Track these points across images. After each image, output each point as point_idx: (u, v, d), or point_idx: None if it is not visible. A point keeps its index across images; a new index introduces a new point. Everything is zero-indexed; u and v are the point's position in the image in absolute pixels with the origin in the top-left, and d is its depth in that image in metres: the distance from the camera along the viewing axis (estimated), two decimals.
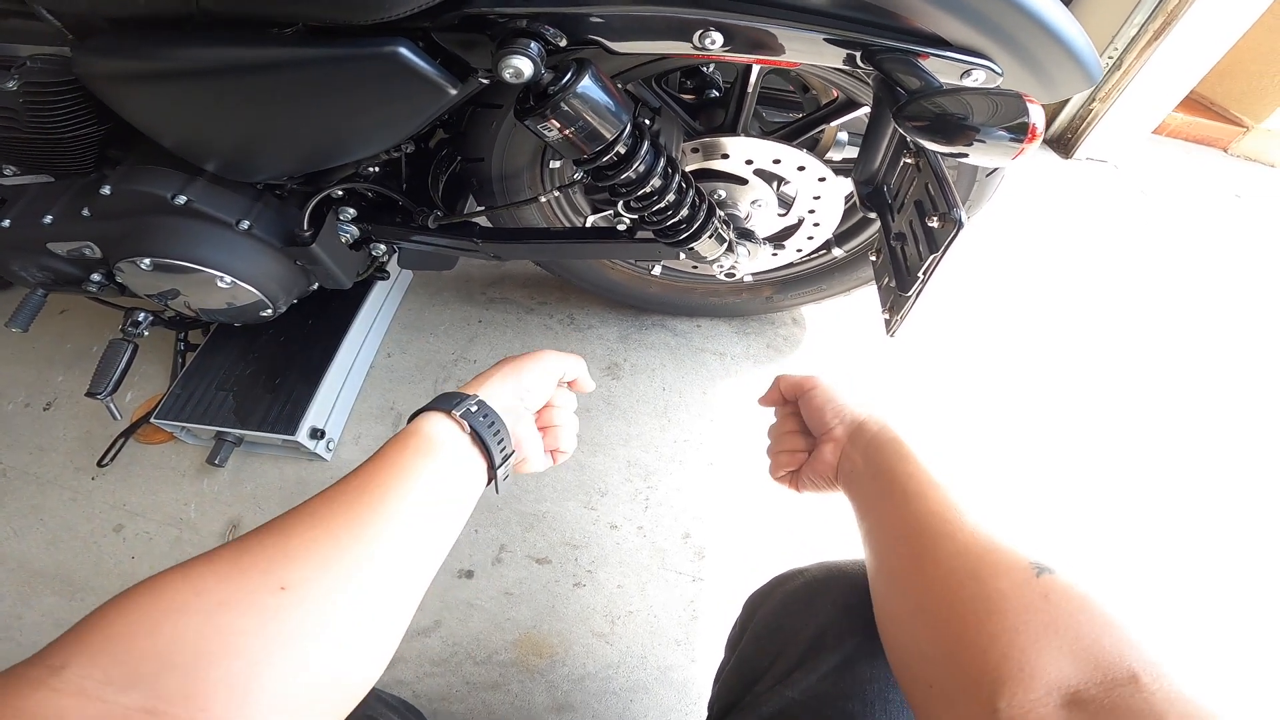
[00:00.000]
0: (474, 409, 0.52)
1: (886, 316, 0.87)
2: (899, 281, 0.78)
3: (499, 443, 0.53)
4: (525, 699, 1.03)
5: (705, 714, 0.72)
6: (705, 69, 1.06)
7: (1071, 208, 1.96)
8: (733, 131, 0.93)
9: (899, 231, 0.78)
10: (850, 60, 0.65)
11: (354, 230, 1.06)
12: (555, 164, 1.01)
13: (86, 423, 1.40)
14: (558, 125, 0.64)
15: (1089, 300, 1.65)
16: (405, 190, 1.04)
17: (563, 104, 0.62)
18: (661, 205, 0.80)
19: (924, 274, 0.72)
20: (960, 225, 0.65)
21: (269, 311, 1.08)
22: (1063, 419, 1.39)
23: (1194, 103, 2.34)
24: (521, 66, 0.58)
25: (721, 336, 1.49)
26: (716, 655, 0.78)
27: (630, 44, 0.65)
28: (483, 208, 1.07)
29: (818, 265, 1.26)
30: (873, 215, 0.85)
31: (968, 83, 0.65)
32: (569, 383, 0.66)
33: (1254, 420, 1.41)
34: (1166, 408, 1.42)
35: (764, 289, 1.35)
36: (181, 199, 0.88)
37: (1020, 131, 0.52)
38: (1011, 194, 1.96)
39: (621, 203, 0.79)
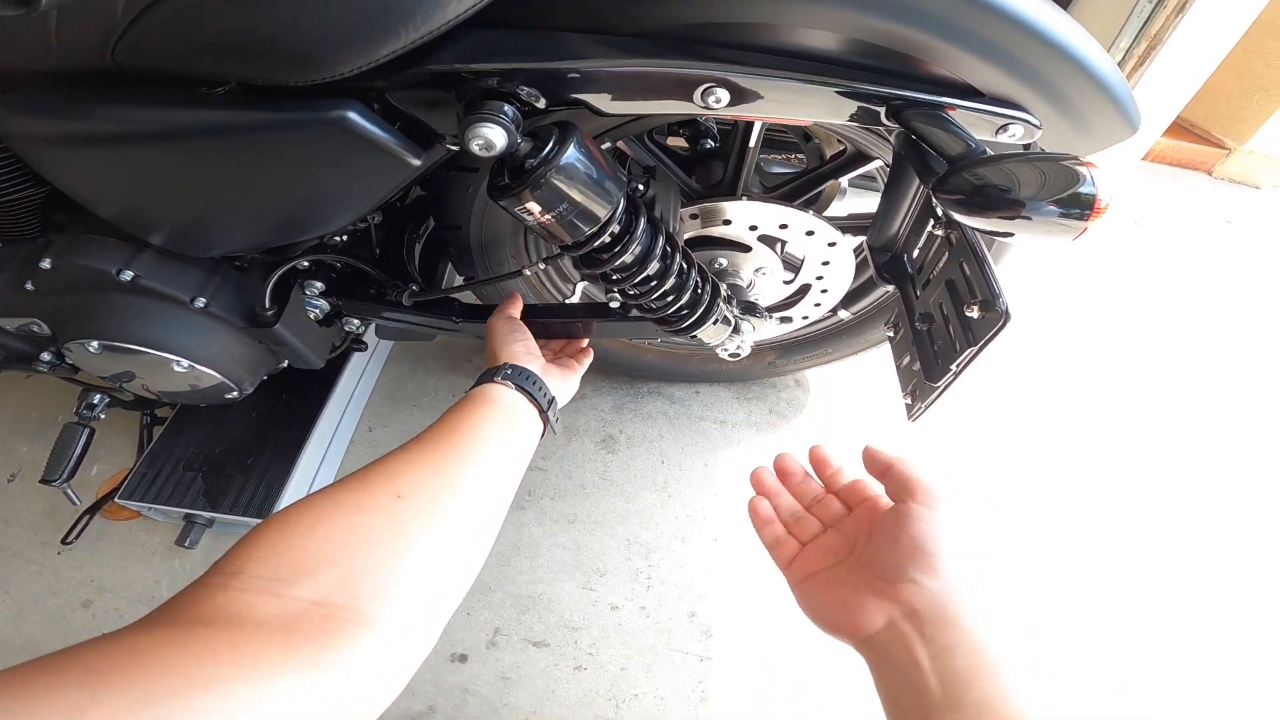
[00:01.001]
0: (509, 373, 0.66)
1: (908, 402, 0.78)
2: (926, 369, 0.69)
3: (540, 391, 0.67)
4: None
5: None
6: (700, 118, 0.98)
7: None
8: (733, 193, 0.85)
9: (925, 311, 0.69)
10: (870, 117, 0.56)
11: (323, 305, 0.97)
12: None
13: (52, 496, 1.32)
14: (538, 207, 0.55)
15: (1092, 338, 1.59)
16: (378, 259, 0.96)
17: (544, 182, 0.53)
18: (662, 291, 0.70)
19: (957, 367, 0.63)
20: (1007, 318, 0.56)
21: (234, 394, 0.99)
22: (1064, 450, 1.34)
23: (1177, 126, 2.33)
24: (493, 137, 0.49)
25: (722, 403, 1.40)
26: None
27: (622, 104, 0.56)
28: (463, 279, 1.00)
29: (823, 328, 1.18)
30: (890, 287, 0.76)
31: (1004, 139, 0.57)
32: None
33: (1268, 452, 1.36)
34: (1175, 442, 1.37)
35: (766, 353, 1.27)
36: (128, 274, 0.80)
37: (1083, 208, 0.43)
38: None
39: (616, 289, 0.70)
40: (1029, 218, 0.46)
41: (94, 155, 0.62)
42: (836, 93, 0.55)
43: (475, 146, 0.50)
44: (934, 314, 0.67)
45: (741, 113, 0.57)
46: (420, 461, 0.50)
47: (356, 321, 1.01)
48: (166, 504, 1.13)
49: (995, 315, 0.56)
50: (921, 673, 0.42)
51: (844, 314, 1.11)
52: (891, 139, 0.65)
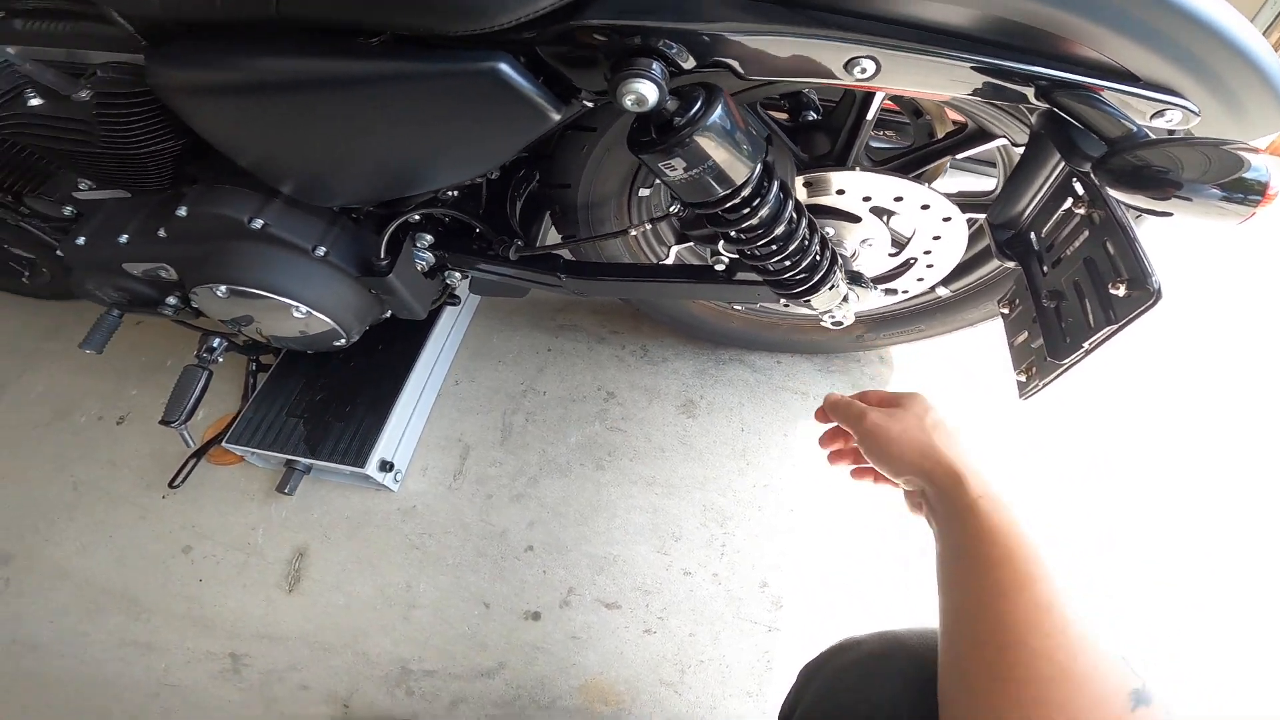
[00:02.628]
0: None
1: (1022, 379, 0.76)
2: (1051, 346, 0.67)
3: None
4: None
5: None
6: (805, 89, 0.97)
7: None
8: (843, 163, 0.84)
9: (1054, 289, 0.67)
10: (1016, 95, 0.55)
11: (430, 258, 1.01)
12: (645, 192, 0.94)
13: (158, 439, 1.39)
14: (683, 164, 0.56)
15: (1225, 340, 1.46)
16: (484, 215, 0.98)
17: (690, 140, 0.54)
18: (785, 254, 0.70)
19: (1090, 344, 0.61)
20: (1158, 297, 0.54)
21: (342, 341, 1.04)
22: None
23: None
24: (645, 92, 0.50)
25: (803, 374, 1.39)
26: None
27: (766, 69, 0.56)
28: (563, 237, 1.01)
29: (919, 304, 1.15)
30: (1011, 264, 0.75)
31: (1160, 124, 0.55)
32: None
33: None
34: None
35: (856, 326, 1.24)
36: (258, 223, 0.84)
37: (1254, 194, 0.42)
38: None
39: (736, 249, 0.70)
40: (1189, 199, 0.45)
41: (245, 104, 0.65)
42: (982, 70, 0.54)
43: (628, 101, 0.51)
44: (1065, 291, 0.65)
45: (882, 84, 0.57)
46: None
47: (458, 275, 1.05)
48: (270, 449, 1.19)
49: (1145, 294, 0.55)
50: (943, 523, 0.53)
51: (942, 291, 1.08)
52: (1032, 118, 0.64)
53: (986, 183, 1.05)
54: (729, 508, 1.21)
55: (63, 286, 1.60)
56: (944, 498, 0.52)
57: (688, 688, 1.03)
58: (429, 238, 0.96)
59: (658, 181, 0.92)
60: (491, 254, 0.98)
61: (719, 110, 0.54)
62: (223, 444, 1.22)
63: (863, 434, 0.60)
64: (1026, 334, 0.74)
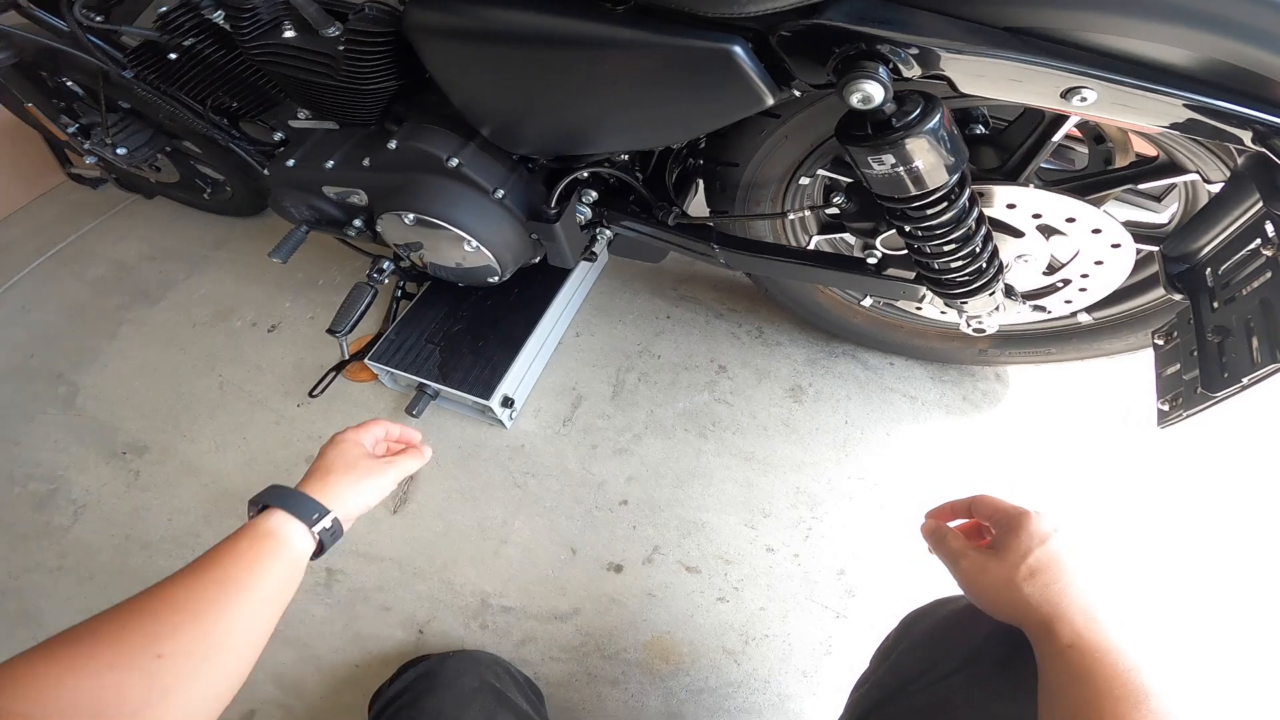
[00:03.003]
0: (329, 527, 0.62)
1: (1164, 408, 0.77)
2: (1207, 379, 0.68)
3: (311, 513, 0.62)
4: (640, 700, 1.04)
5: None
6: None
7: None
8: (1013, 179, 0.85)
9: (1221, 325, 0.68)
10: (1229, 137, 0.55)
11: (588, 212, 1.07)
12: (805, 180, 0.97)
13: (302, 350, 1.53)
14: (891, 161, 0.60)
15: None
16: (644, 181, 1.04)
17: (906, 141, 0.58)
18: (957, 256, 0.73)
19: (1250, 380, 0.62)
20: None
21: (495, 278, 1.12)
22: None
23: None
24: (872, 93, 0.54)
25: (915, 379, 1.39)
26: (839, 693, 0.79)
27: (984, 87, 0.59)
28: (713, 211, 1.06)
29: (1057, 327, 1.14)
30: (1179, 297, 0.75)
31: None
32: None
33: None
34: None
35: (981, 340, 1.24)
36: (454, 162, 0.93)
37: None
38: None
39: (911, 245, 0.73)
40: None
41: (484, 51, 0.72)
42: (1200, 110, 0.55)
43: (854, 99, 0.55)
44: (1233, 329, 0.66)
45: (1095, 113, 0.58)
46: (183, 612, 0.48)
47: (608, 232, 1.11)
48: (408, 371, 1.29)
49: None
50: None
51: (1084, 318, 1.07)
52: (1239, 159, 0.64)
53: (1146, 214, 1.03)
54: (821, 494, 1.23)
55: (239, 205, 1.77)
56: (1035, 644, 0.52)
57: (747, 658, 1.06)
58: (593, 194, 1.03)
59: (818, 172, 0.95)
60: (647, 217, 1.03)
61: (935, 120, 0.58)
62: (365, 360, 1.33)
63: (957, 572, 0.60)
64: (1179, 366, 0.74)
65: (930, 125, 0.57)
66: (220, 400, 1.47)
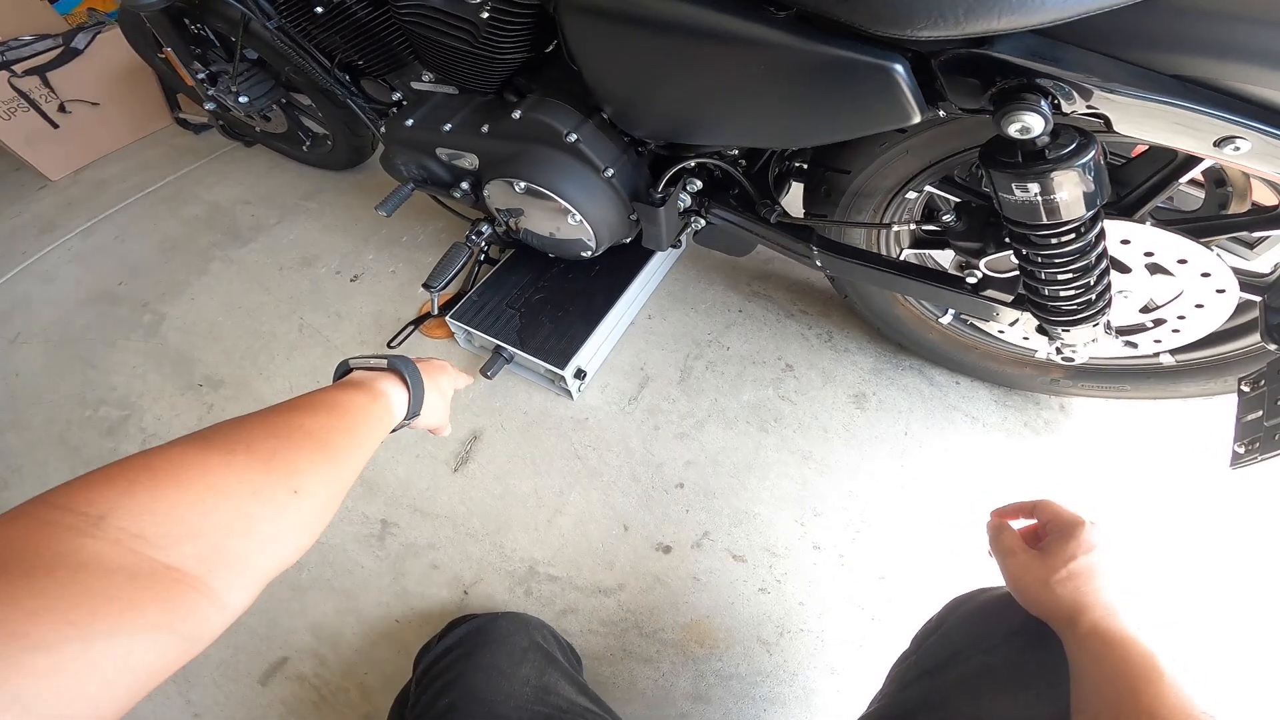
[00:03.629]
0: (406, 369, 0.64)
1: (1239, 450, 0.78)
2: None
3: (418, 394, 0.64)
4: (670, 680, 1.07)
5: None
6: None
7: None
8: (1129, 214, 0.85)
9: None
10: None
11: (688, 200, 1.10)
12: (911, 195, 0.98)
13: (381, 303, 1.58)
14: (1036, 190, 0.61)
15: None
16: (750, 177, 1.06)
17: (1054, 173, 0.59)
18: (1070, 285, 0.75)
19: None
20: None
21: (588, 252, 1.15)
22: None
23: None
24: (1032, 125, 0.56)
25: (979, 400, 1.40)
26: (865, 693, 0.81)
27: (1139, 129, 0.60)
28: (809, 213, 1.07)
29: (1137, 365, 1.15)
30: (1274, 347, 0.76)
31: None
32: None
33: None
34: None
35: (1054, 370, 1.25)
36: (572, 137, 0.96)
37: None
38: None
39: (1026, 269, 0.75)
40: None
41: (634, 33, 0.74)
42: None
43: (1013, 129, 0.57)
44: None
45: (1249, 164, 0.59)
46: (324, 459, 0.48)
47: (703, 221, 1.13)
48: (486, 332, 1.34)
49: None
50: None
51: (1167, 359, 1.08)
52: None
53: (1241, 262, 1.02)
54: (873, 500, 1.25)
55: (336, 160, 1.83)
56: (1062, 637, 0.57)
57: (780, 650, 1.09)
58: (699, 184, 1.06)
59: (926, 188, 0.96)
60: (747, 212, 1.06)
61: (1089, 156, 0.59)
62: (447, 318, 1.38)
63: (1004, 566, 0.64)
64: (1262, 413, 0.76)
65: (1083, 161, 0.59)
66: (298, 342, 1.52)
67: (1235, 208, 0.89)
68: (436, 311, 1.32)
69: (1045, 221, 0.65)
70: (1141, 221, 0.83)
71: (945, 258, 1.14)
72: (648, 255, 1.43)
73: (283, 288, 1.63)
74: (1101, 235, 0.70)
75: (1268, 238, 0.93)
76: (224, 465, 0.41)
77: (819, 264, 1.04)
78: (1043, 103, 0.56)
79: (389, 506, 1.25)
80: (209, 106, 1.55)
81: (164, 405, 1.44)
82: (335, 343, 1.51)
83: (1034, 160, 0.60)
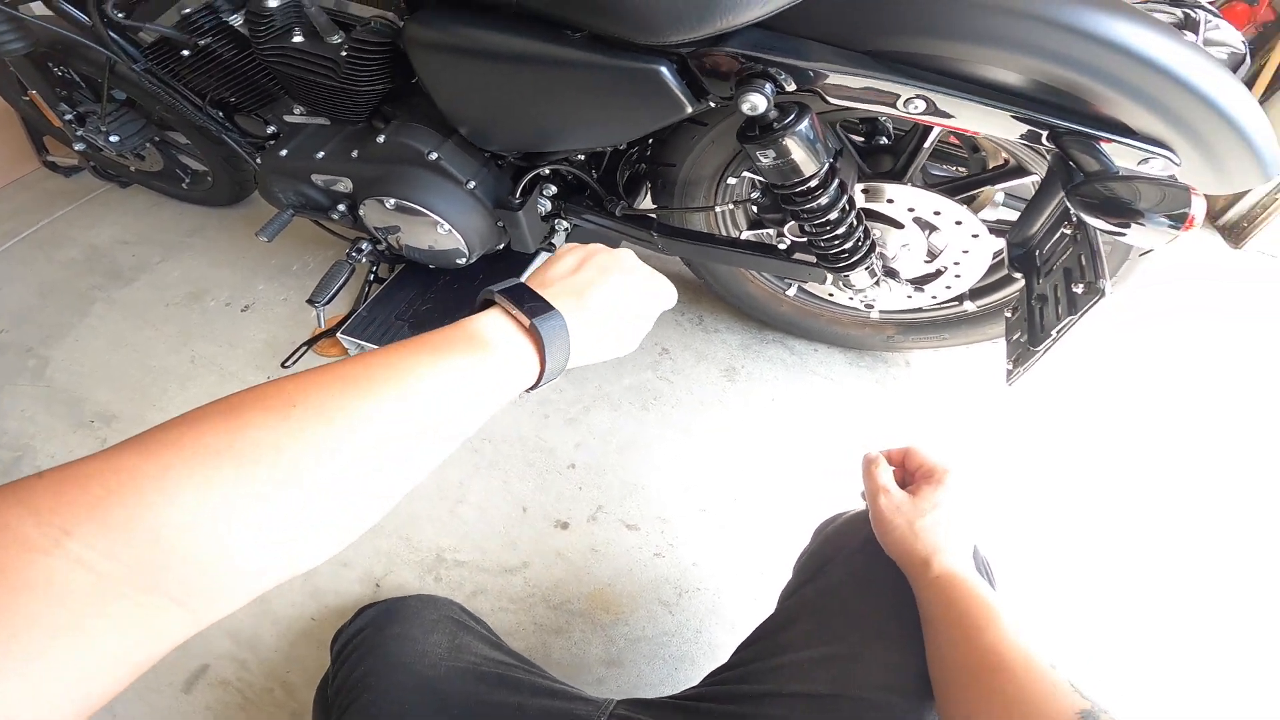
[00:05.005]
0: (559, 346, 0.47)
1: (1010, 367, 0.96)
2: (1031, 337, 0.88)
3: (552, 376, 0.48)
4: (583, 648, 1.14)
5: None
6: (881, 118, 1.17)
7: (1231, 299, 1.90)
8: (899, 179, 1.04)
9: (1041, 294, 0.88)
10: (1034, 137, 0.75)
11: (548, 205, 1.23)
12: (732, 180, 1.15)
13: (275, 328, 1.63)
14: (773, 154, 0.79)
15: (1224, 395, 1.61)
16: (598, 178, 1.21)
17: (782, 139, 0.77)
18: (834, 235, 0.93)
19: (1058, 333, 0.82)
20: (1102, 294, 0.74)
21: (463, 260, 1.26)
22: (1172, 516, 1.38)
23: None
24: (757, 102, 0.73)
25: (835, 364, 1.57)
26: None
27: (844, 99, 0.78)
28: (656, 206, 1.23)
29: (946, 315, 1.34)
30: (1018, 275, 0.95)
31: (1144, 169, 0.73)
32: None
33: None
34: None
35: (888, 328, 1.44)
36: (434, 155, 1.08)
37: (1179, 220, 0.61)
38: (1167, 275, 1.91)
39: (799, 225, 0.92)
40: (1144, 225, 0.64)
41: (468, 64, 0.88)
42: (1011, 116, 0.74)
43: (745, 106, 0.74)
44: (1048, 295, 0.86)
45: (930, 119, 0.77)
46: (354, 458, 0.38)
47: (566, 223, 1.27)
48: (377, 343, 1.42)
49: (1095, 292, 0.75)
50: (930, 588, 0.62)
51: (970, 306, 1.27)
52: (1048, 158, 0.83)
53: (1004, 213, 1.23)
54: (749, 463, 1.39)
55: (217, 195, 1.87)
56: (913, 579, 0.64)
57: (681, 609, 1.17)
58: (553, 188, 1.20)
59: (743, 173, 1.14)
60: (598, 209, 1.20)
61: (805, 123, 0.78)
62: (338, 334, 1.45)
63: (874, 505, 0.70)
64: (1020, 332, 0.94)
65: (800, 127, 0.77)
66: (191, 373, 1.54)
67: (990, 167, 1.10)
68: (323, 326, 1.39)
69: (791, 181, 0.83)
70: (904, 183, 1.02)
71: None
72: (528, 262, 1.55)
73: (171, 323, 1.64)
74: (843, 188, 0.88)
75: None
76: (196, 490, 0.33)
77: (660, 248, 1.20)
78: (767, 85, 0.74)
79: None
80: (79, 148, 1.55)
81: (57, 444, 1.45)
82: (230, 370, 1.55)
83: (767, 131, 0.78)
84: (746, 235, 1.28)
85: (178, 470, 0.32)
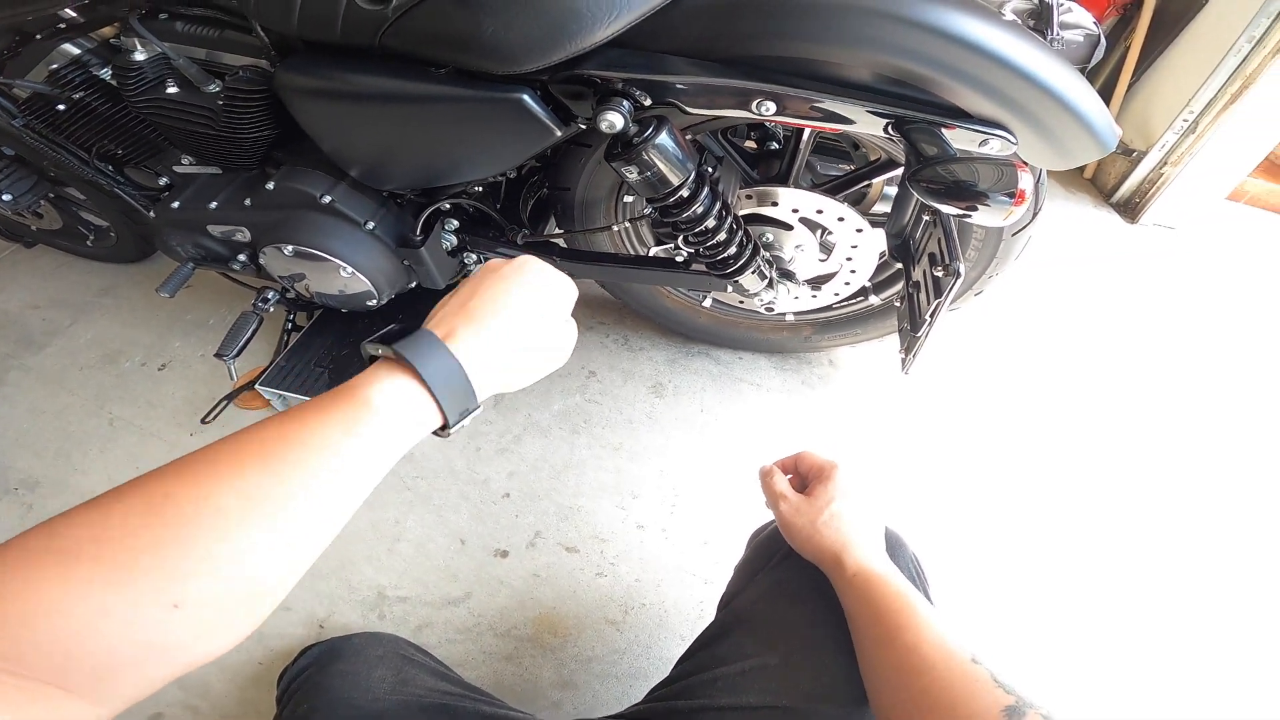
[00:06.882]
0: (455, 384, 0.45)
1: (903, 356, 1.00)
2: (911, 323, 0.91)
3: (463, 415, 0.47)
4: (534, 673, 1.14)
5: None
6: (768, 124, 1.21)
7: (1130, 274, 2.00)
8: (784, 182, 1.08)
9: (915, 280, 0.92)
10: (877, 128, 0.79)
11: (453, 239, 1.24)
12: (629, 199, 1.18)
13: (194, 385, 1.59)
14: (637, 169, 0.81)
15: (1133, 372, 1.70)
16: (500, 209, 1.22)
17: (643, 153, 0.79)
18: (713, 242, 0.96)
19: (930, 317, 0.85)
20: (958, 276, 0.78)
21: (374, 301, 1.26)
22: (1085, 486, 1.45)
23: (1275, 168, 2.29)
24: (615, 120, 0.76)
25: (760, 370, 1.62)
26: None
27: (701, 107, 0.81)
28: (561, 230, 1.25)
29: (855, 310, 1.39)
30: (899, 264, 0.99)
31: (984, 150, 0.77)
32: None
33: None
34: (1207, 481, 1.48)
35: (804, 329, 1.48)
36: (327, 198, 1.08)
37: (1012, 195, 0.65)
38: (1064, 254, 2.02)
39: (680, 237, 0.94)
40: (985, 204, 0.68)
41: (342, 107, 0.89)
42: (851, 109, 0.78)
43: (603, 125, 0.76)
44: (920, 281, 0.89)
45: (785, 119, 0.81)
46: (219, 560, 0.35)
47: (475, 256, 1.28)
48: (298, 393, 1.40)
49: (952, 274, 0.79)
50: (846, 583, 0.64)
51: (874, 299, 1.32)
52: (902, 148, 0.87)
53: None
54: (683, 475, 1.41)
55: (123, 251, 1.83)
56: (831, 577, 0.65)
57: (629, 626, 1.18)
58: (455, 222, 1.21)
59: None
60: (503, 239, 1.22)
61: (664, 135, 0.80)
62: (256, 386, 1.43)
63: (776, 513, 0.73)
64: (904, 320, 0.97)
65: (659, 140, 0.79)
66: (111, 435, 1.50)
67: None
68: (236, 379, 1.37)
69: (662, 194, 0.85)
70: (787, 186, 1.06)
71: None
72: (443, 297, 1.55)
73: (87, 387, 1.60)
74: (715, 196, 0.91)
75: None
76: (64, 583, 0.31)
77: (567, 273, 1.21)
78: (624, 103, 0.77)
79: None
80: None
81: None
82: (151, 430, 1.51)
83: (629, 147, 0.80)
84: (656, 250, 1.30)
85: (49, 572, 0.32)
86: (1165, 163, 2.06)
